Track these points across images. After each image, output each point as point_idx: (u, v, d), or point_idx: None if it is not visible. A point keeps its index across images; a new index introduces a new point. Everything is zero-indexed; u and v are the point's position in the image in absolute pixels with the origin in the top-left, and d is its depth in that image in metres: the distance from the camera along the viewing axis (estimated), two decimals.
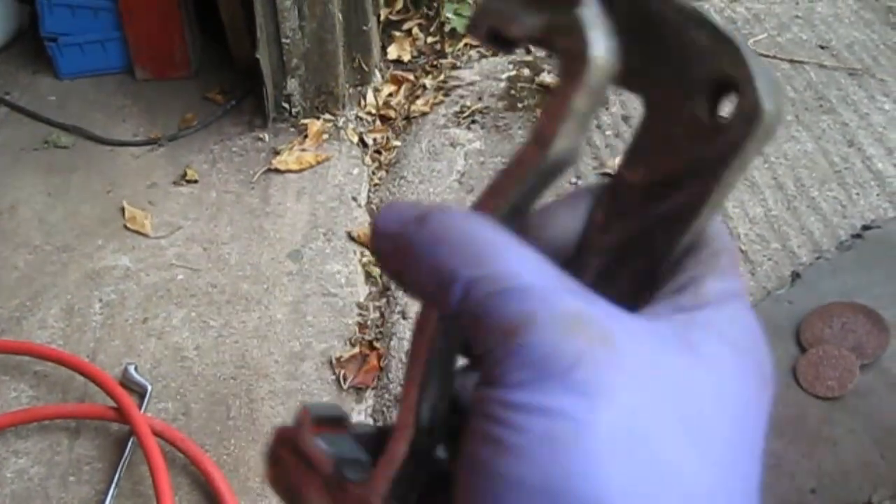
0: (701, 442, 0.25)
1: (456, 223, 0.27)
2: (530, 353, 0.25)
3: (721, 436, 0.26)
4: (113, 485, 1.47)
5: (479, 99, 2.32)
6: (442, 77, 2.40)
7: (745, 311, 0.29)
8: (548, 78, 2.33)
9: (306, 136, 2.17)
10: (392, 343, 1.70)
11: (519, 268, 0.26)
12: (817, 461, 1.45)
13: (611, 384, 0.25)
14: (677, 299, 0.29)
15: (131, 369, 1.63)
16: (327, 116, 2.23)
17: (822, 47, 2.44)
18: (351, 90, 2.27)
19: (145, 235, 1.94)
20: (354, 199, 2.04)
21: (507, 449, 0.25)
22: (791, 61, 2.39)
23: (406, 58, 2.45)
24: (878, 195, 1.97)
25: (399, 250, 0.28)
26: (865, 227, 1.87)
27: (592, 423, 0.24)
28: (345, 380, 1.64)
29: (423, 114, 2.28)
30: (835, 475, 1.43)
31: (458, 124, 2.23)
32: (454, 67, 2.44)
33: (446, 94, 2.34)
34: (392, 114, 2.28)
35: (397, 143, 2.21)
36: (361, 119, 2.26)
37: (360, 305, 1.79)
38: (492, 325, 0.26)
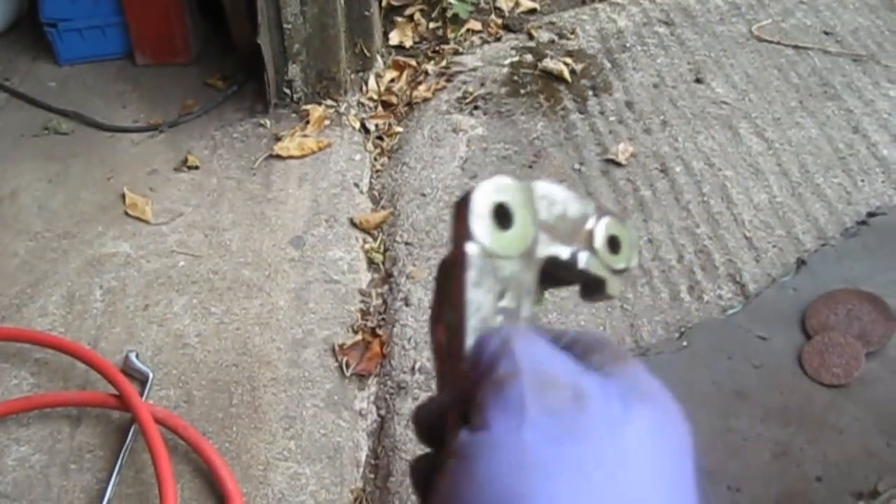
0: (645, 472, 0.33)
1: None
2: (509, 399, 0.32)
3: (658, 468, 0.33)
4: (114, 472, 1.46)
5: (482, 85, 2.30)
6: (444, 63, 2.38)
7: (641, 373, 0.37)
8: (550, 64, 2.31)
9: (308, 122, 2.16)
10: (395, 330, 1.69)
11: (526, 346, 0.35)
12: (823, 449, 1.45)
13: (575, 429, 0.32)
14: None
15: (132, 356, 1.62)
16: (329, 102, 2.22)
17: (826, 33, 2.42)
18: (353, 76, 2.26)
19: (146, 222, 1.93)
20: (356, 185, 2.03)
21: (478, 474, 0.31)
22: (795, 47, 2.37)
23: (408, 43, 2.43)
24: (883, 182, 1.96)
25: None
26: (871, 214, 1.86)
27: (557, 458, 0.31)
28: (347, 367, 1.63)
29: (426, 100, 2.27)
30: (840, 463, 1.43)
31: (461, 110, 2.22)
32: (456, 53, 2.42)
33: (448, 80, 2.33)
34: (394, 100, 2.27)
35: (399, 129, 2.20)
36: (363, 105, 2.24)
37: (362, 292, 1.78)
38: (488, 379, 0.34)
